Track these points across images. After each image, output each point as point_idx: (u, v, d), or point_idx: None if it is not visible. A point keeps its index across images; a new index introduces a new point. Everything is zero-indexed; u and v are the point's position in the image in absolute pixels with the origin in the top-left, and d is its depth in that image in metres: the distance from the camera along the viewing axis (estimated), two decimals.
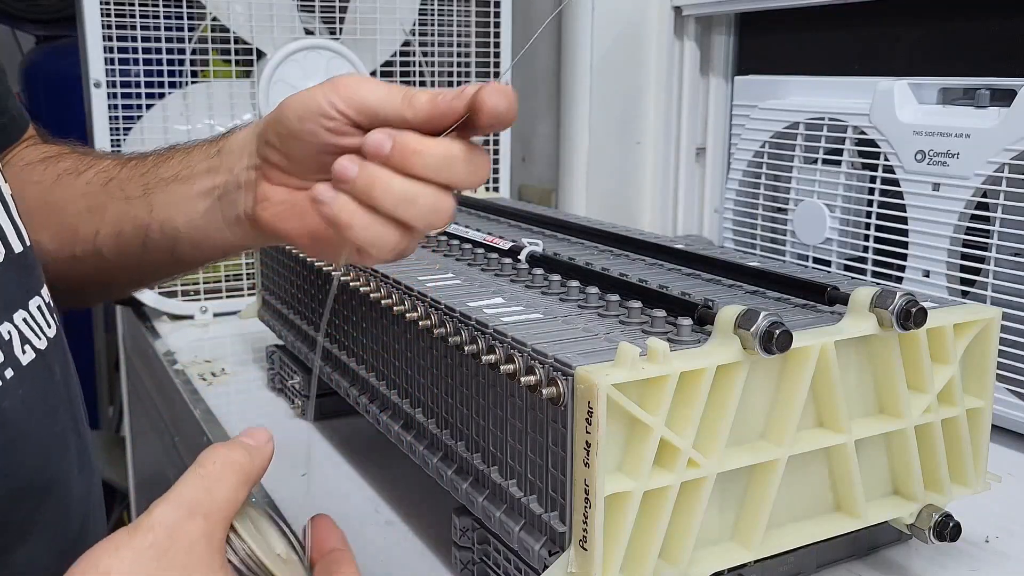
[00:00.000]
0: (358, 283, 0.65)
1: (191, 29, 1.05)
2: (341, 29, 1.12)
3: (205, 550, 0.36)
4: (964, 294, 0.78)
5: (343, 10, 1.12)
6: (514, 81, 1.26)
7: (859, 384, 0.51)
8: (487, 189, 1.24)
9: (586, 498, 0.42)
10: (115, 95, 1.03)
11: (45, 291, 0.46)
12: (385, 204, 0.42)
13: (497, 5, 1.21)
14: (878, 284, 0.52)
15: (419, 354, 0.58)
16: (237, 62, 1.09)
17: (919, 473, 0.53)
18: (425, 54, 1.19)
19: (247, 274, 1.13)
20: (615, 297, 0.53)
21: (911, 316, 0.48)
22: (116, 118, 1.03)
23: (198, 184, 0.52)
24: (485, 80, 1.23)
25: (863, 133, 0.86)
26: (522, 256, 0.65)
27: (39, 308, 0.44)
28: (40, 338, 0.43)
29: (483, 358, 0.49)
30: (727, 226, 1.04)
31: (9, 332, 0.40)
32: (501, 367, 0.48)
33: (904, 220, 0.82)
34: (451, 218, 0.44)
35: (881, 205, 0.85)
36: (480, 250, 0.68)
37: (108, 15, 1.01)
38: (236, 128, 0.53)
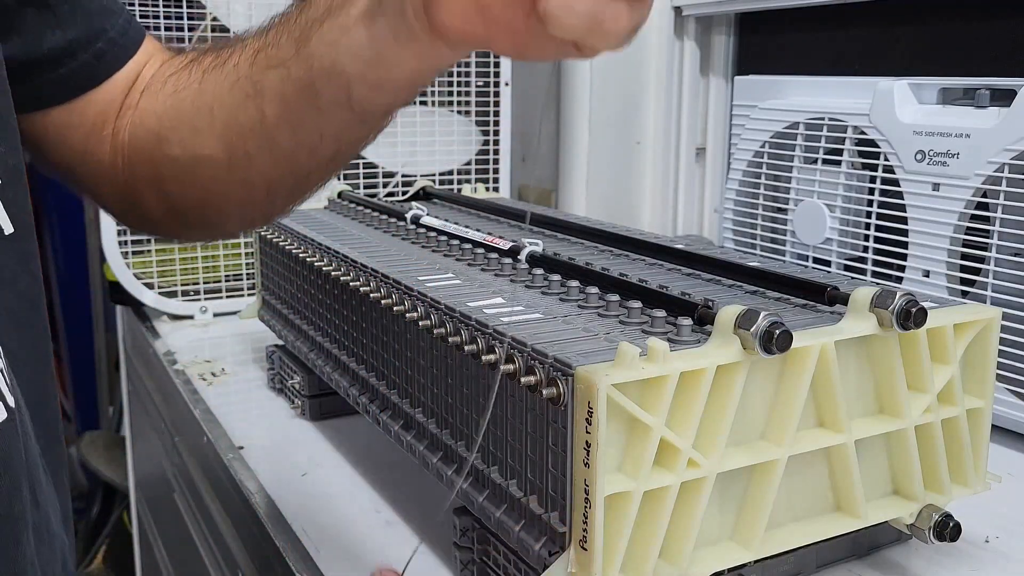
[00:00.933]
0: (358, 283, 0.65)
1: (191, 28, 1.05)
2: None
3: None
4: (964, 294, 0.78)
5: None
6: (514, 81, 1.26)
7: (859, 384, 0.51)
8: (487, 189, 1.23)
9: (586, 498, 0.42)
10: None
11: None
12: None
13: None
14: (878, 284, 0.52)
15: (419, 354, 0.58)
16: None
17: (919, 473, 0.53)
18: None
19: (247, 274, 1.13)
20: (615, 297, 0.53)
21: (911, 316, 0.48)
22: None
23: (354, 8, 0.44)
24: (484, 77, 1.23)
25: (863, 133, 0.86)
26: (522, 256, 0.65)
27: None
28: (9, 394, 0.38)
29: (483, 358, 0.49)
30: (727, 226, 1.04)
31: None
32: (501, 367, 0.48)
33: (904, 220, 0.82)
34: None
35: (881, 205, 0.85)
36: (480, 250, 0.68)
37: None
38: None
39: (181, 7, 1.04)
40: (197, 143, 0.47)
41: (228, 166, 0.49)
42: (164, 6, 1.03)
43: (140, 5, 1.02)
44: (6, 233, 0.42)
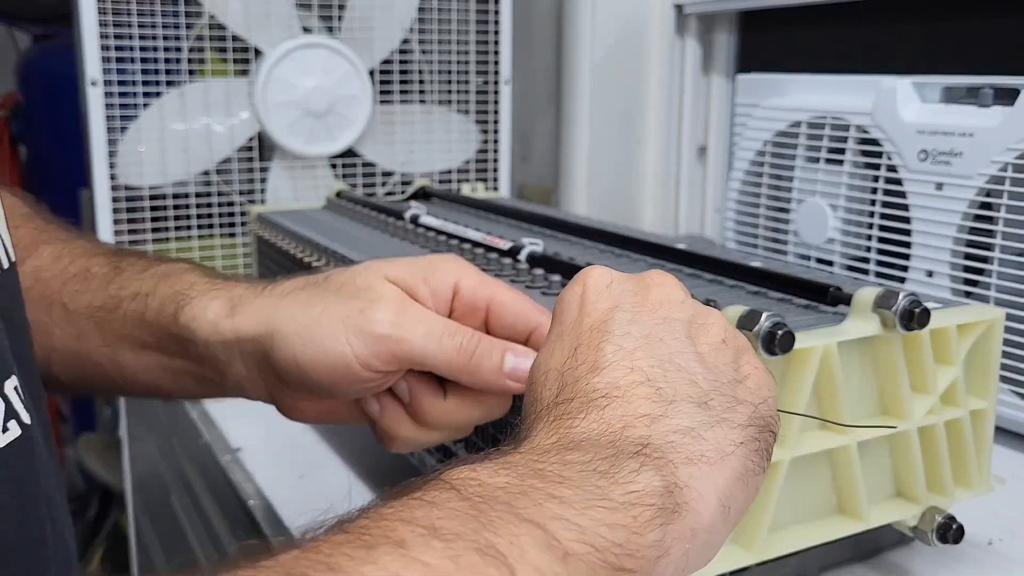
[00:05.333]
0: None
1: (188, 27, 1.05)
2: (339, 27, 1.12)
3: None
4: (967, 294, 0.78)
5: (341, 8, 1.11)
6: (514, 80, 1.25)
7: (862, 385, 0.51)
8: (487, 188, 1.23)
9: None
10: (112, 94, 1.02)
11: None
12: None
13: (497, 3, 1.21)
14: (881, 284, 0.51)
15: None
16: (234, 60, 1.08)
17: (922, 475, 0.52)
18: (424, 52, 1.19)
19: (244, 275, 1.12)
20: None
21: (914, 317, 0.48)
22: (113, 117, 1.03)
23: (167, 359, 0.47)
24: (484, 76, 1.23)
25: (866, 132, 0.85)
26: (522, 256, 0.64)
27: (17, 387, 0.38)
28: (25, 412, 0.36)
29: None
30: (729, 226, 1.03)
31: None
32: None
33: (907, 220, 0.82)
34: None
35: (884, 205, 0.84)
36: (480, 250, 0.67)
37: (105, 13, 1.00)
38: (199, 306, 0.46)
39: (178, 5, 1.04)
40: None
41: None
42: (161, 4, 1.03)
43: (137, 3, 1.02)
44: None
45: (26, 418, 0.35)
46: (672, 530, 0.29)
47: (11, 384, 0.35)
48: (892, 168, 0.83)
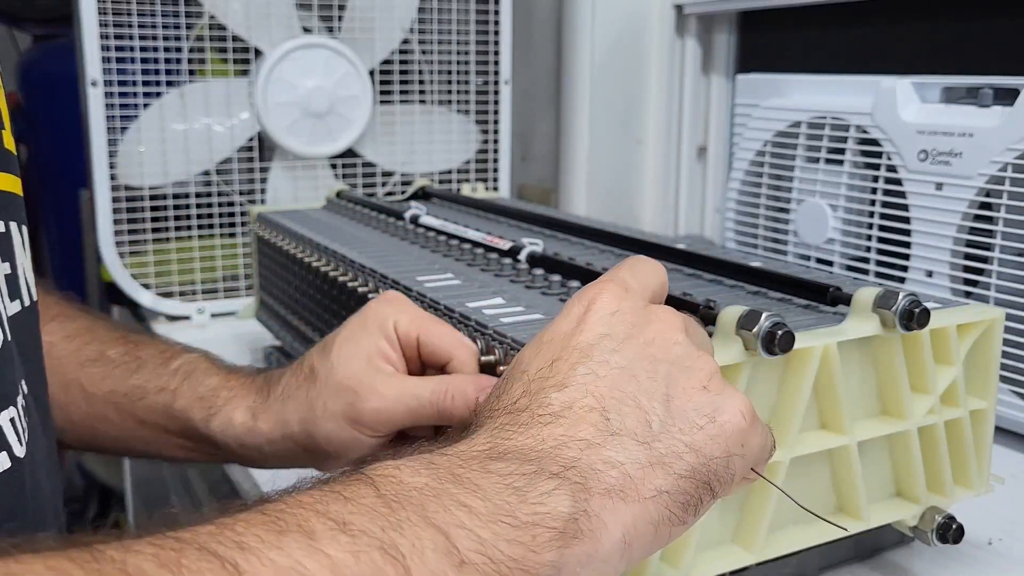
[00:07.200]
0: (356, 283, 0.64)
1: (188, 28, 1.05)
2: (340, 27, 1.12)
3: None
4: (967, 295, 0.78)
5: (341, 8, 1.11)
6: (514, 80, 1.25)
7: (862, 385, 0.51)
8: (487, 188, 1.23)
9: None
10: (112, 94, 1.02)
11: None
12: None
13: (497, 3, 1.21)
14: (881, 284, 0.51)
15: None
16: (235, 60, 1.08)
17: (922, 475, 0.52)
18: (424, 52, 1.19)
19: (244, 274, 1.12)
20: None
21: (914, 317, 0.48)
22: (113, 117, 1.03)
23: (191, 444, 0.53)
24: (484, 76, 1.23)
25: (866, 132, 0.85)
26: (522, 256, 0.64)
27: (23, 407, 0.38)
28: (19, 444, 0.36)
29: (482, 359, 0.49)
30: (729, 226, 1.03)
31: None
32: (500, 368, 0.47)
33: (907, 220, 0.82)
34: None
35: (884, 205, 0.84)
36: (480, 250, 0.67)
37: (105, 14, 1.00)
38: (225, 416, 0.52)
39: (178, 5, 1.04)
40: None
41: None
42: (161, 4, 1.03)
43: (138, 4, 1.02)
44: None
45: (18, 451, 0.36)
46: (569, 553, 0.31)
47: (7, 416, 0.35)
48: (892, 168, 0.83)
